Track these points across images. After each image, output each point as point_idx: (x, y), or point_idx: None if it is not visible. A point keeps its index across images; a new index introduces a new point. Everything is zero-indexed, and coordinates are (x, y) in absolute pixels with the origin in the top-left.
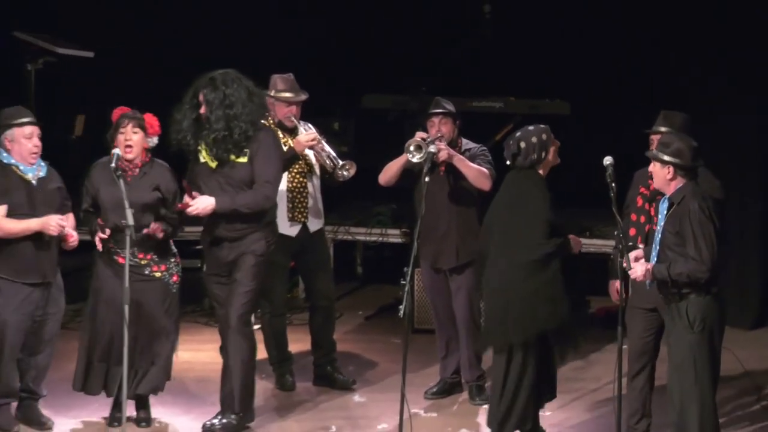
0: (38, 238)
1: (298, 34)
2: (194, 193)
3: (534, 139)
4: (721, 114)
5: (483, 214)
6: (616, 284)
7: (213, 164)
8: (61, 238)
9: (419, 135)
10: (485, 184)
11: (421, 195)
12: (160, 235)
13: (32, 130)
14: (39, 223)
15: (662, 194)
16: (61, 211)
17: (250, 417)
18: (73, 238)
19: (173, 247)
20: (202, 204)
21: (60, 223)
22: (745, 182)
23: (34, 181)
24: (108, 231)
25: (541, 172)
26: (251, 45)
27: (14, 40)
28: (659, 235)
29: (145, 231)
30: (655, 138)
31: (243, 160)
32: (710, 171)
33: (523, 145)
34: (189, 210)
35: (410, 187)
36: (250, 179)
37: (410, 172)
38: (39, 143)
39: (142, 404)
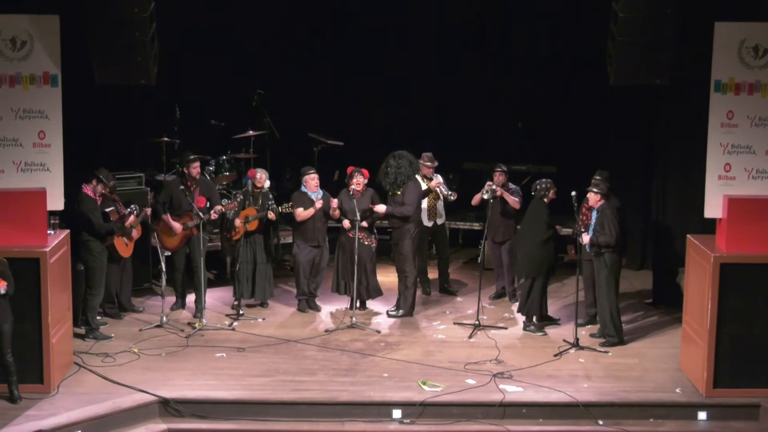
0: (315, 224)
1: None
2: (378, 205)
3: (544, 184)
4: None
5: (517, 220)
6: (572, 248)
7: (390, 194)
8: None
9: (488, 184)
10: (516, 207)
11: (488, 208)
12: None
13: (315, 176)
14: (313, 208)
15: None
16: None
17: (413, 308)
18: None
19: (375, 230)
20: (380, 208)
21: (316, 208)
22: (634, 192)
23: (314, 199)
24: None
25: (545, 200)
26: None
27: (308, 138)
28: (593, 225)
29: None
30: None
31: (399, 192)
32: (614, 194)
33: (537, 186)
34: (374, 209)
35: (486, 205)
36: (402, 202)
37: (486, 200)
38: (318, 182)
39: (363, 301)
